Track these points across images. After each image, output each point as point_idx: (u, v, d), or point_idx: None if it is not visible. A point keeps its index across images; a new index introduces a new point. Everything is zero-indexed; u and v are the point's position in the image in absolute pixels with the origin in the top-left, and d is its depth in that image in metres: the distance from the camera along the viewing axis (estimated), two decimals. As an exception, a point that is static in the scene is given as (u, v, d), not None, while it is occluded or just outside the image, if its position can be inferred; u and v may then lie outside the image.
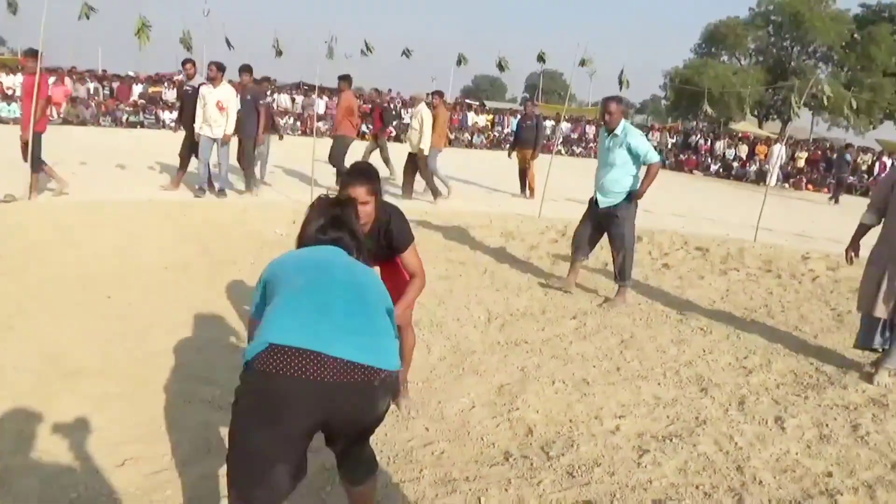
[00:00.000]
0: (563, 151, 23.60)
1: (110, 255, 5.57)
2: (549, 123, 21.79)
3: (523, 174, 11.47)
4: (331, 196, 2.32)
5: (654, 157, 5.46)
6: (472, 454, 2.96)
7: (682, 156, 24.95)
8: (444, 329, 4.62)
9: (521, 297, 5.57)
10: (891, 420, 3.75)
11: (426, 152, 9.30)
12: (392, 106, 25.57)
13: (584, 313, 5.27)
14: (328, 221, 2.17)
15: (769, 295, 6.48)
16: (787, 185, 21.12)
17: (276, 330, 1.81)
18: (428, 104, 9.85)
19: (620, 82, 10.57)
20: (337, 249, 2.12)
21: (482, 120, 26.78)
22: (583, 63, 10.11)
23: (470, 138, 24.54)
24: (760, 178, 20.35)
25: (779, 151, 16.82)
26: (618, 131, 5.46)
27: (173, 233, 6.42)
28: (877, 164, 22.21)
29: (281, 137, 10.45)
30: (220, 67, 7.95)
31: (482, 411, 3.40)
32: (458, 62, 10.28)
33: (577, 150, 25.54)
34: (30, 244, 5.55)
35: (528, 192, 11.32)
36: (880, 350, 4.52)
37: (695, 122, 38.27)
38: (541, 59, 12.82)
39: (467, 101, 34.87)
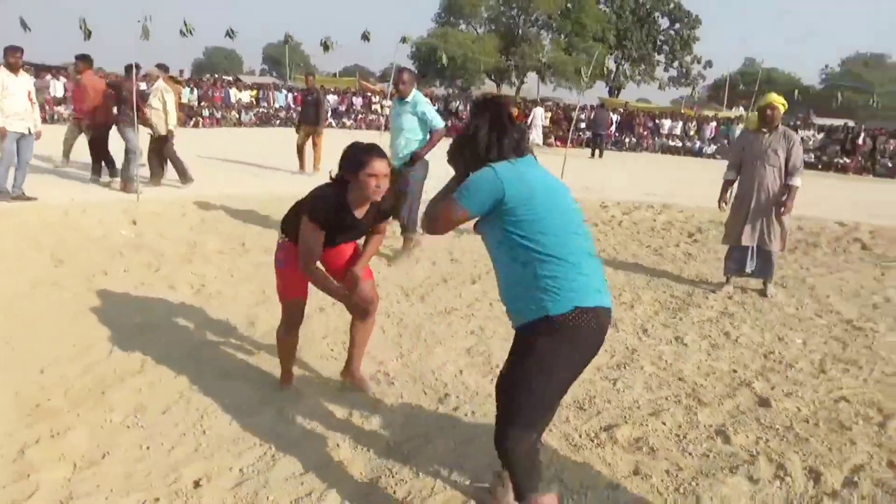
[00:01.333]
0: (333, 124, 23.69)
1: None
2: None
3: (301, 149, 11.20)
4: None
5: (440, 124, 6.06)
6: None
7: (446, 122, 26.56)
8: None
9: (420, 266, 5.89)
10: (743, 325, 4.90)
11: (175, 133, 8.85)
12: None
13: (487, 273, 5.79)
14: (520, 135, 2.16)
15: (597, 241, 7.62)
16: (541, 144, 23.76)
17: (578, 290, 2.04)
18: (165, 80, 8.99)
19: (324, 47, 11.14)
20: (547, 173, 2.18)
21: (246, 96, 25.67)
22: (326, 48, 10.47)
23: (238, 116, 23.46)
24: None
25: (540, 113, 18.88)
26: (409, 99, 5.97)
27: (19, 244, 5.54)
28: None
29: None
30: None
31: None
32: (183, 33, 9.25)
33: (348, 123, 25.77)
34: None
35: (311, 167, 11.12)
36: (749, 273, 5.75)
37: (451, 90, 40.55)
38: (365, 37, 12.69)
39: (225, 77, 32.98)
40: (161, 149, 8.90)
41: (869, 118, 46.42)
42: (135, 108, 8.00)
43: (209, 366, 3.64)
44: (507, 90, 49.31)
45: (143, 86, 11.73)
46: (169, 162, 9.02)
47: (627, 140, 24.79)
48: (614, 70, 49.36)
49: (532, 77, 49.84)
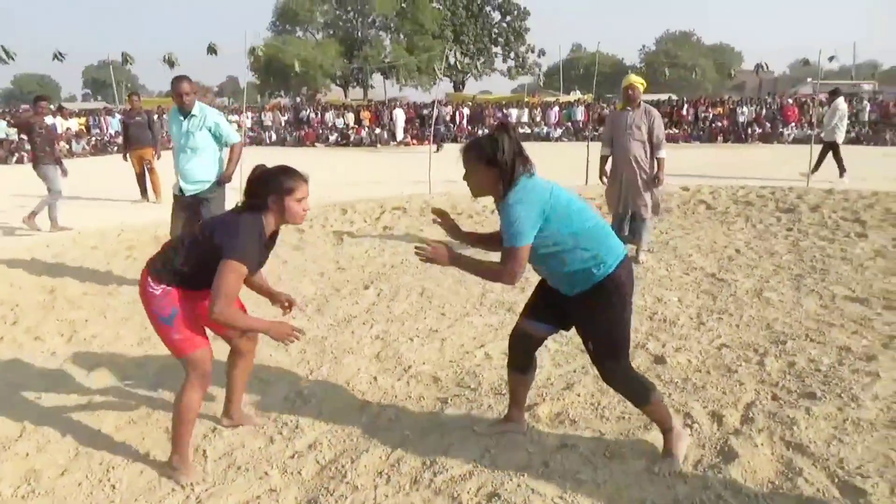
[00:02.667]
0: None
1: None
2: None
3: (142, 177, 10.53)
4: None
5: (236, 137, 5.39)
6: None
7: (299, 131, 26.02)
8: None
9: (308, 279, 5.72)
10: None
11: None
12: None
13: (379, 277, 5.73)
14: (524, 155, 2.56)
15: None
16: (396, 143, 23.94)
17: (616, 247, 2.60)
18: None
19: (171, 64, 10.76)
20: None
21: (74, 124, 23.64)
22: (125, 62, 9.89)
23: (69, 146, 21.53)
24: (376, 142, 22.74)
25: (401, 114, 19.06)
26: (195, 112, 5.16)
27: None
28: (456, 114, 26.68)
29: None
30: None
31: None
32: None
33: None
34: None
35: (153, 195, 10.48)
36: (623, 239, 6.04)
37: (298, 98, 39.68)
38: (212, 50, 12.02)
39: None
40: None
41: (692, 90, 51.30)
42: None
43: (104, 415, 3.33)
44: (354, 94, 49.18)
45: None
46: None
47: (479, 132, 25.56)
48: (454, 63, 50.76)
49: (377, 79, 50.08)
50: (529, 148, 2.68)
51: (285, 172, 2.63)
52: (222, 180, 5.29)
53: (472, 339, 4.31)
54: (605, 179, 6.47)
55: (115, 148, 22.43)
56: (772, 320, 4.51)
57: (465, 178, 2.61)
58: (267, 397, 3.52)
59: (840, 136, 11.46)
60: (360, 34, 46.83)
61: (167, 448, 2.87)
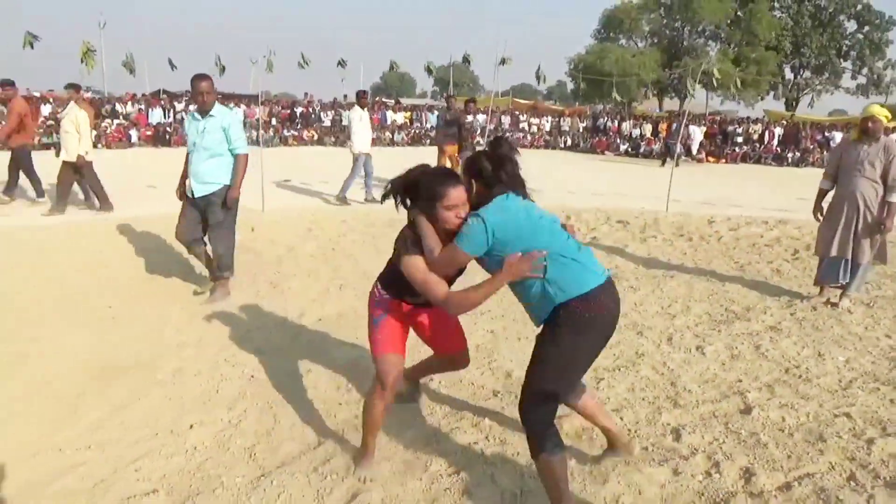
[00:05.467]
0: (481, 142, 24.54)
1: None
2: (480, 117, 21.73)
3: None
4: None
5: (244, 148, 5.21)
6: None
7: (593, 138, 26.42)
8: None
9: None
10: (784, 340, 4.73)
11: (87, 157, 8.00)
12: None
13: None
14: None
15: (683, 255, 7.50)
16: (689, 159, 22.84)
17: (581, 279, 2.42)
18: (77, 101, 8.22)
19: (538, 77, 11.40)
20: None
21: (400, 117, 27.42)
22: (503, 62, 10.85)
23: (391, 136, 25.13)
24: (665, 154, 21.97)
25: (697, 130, 18.36)
26: (214, 112, 5.09)
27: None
28: (766, 133, 24.36)
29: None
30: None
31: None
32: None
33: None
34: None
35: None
36: (840, 284, 5.64)
37: (601, 106, 40.08)
38: (466, 60, 13.46)
39: (383, 99, 35.41)
40: (70, 175, 8.06)
41: None
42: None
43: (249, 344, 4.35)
44: (670, 104, 47.58)
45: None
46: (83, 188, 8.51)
47: (791, 155, 22.98)
48: (792, 79, 45.73)
49: (699, 91, 47.59)
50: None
51: (437, 177, 2.52)
52: (227, 202, 5.17)
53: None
54: (819, 216, 5.78)
55: (428, 140, 25.60)
56: (941, 405, 3.73)
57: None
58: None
59: None
60: (685, 43, 45.01)
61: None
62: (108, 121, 21.02)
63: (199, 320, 4.87)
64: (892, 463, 3.06)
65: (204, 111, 5.08)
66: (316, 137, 23.84)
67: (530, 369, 2.51)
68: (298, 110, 25.54)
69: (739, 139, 24.25)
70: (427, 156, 18.37)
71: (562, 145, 26.65)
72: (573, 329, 2.41)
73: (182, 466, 2.94)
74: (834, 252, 5.57)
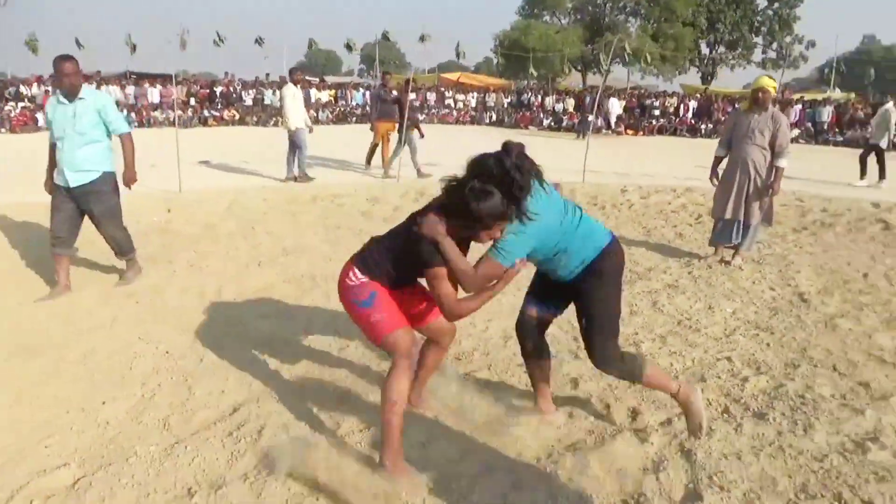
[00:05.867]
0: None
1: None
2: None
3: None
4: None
5: (125, 127, 4.96)
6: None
7: (517, 113, 26.84)
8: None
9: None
10: (679, 296, 5.10)
11: None
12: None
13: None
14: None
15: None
16: (609, 132, 23.53)
17: (601, 230, 2.78)
18: None
19: (457, 54, 11.52)
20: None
21: (325, 96, 27.04)
22: (422, 39, 10.91)
23: (316, 114, 24.79)
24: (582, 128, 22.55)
25: (615, 103, 18.93)
26: (84, 95, 4.75)
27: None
28: (681, 106, 25.35)
29: None
30: None
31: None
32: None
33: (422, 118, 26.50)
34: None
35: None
36: (733, 244, 6.05)
37: (526, 81, 40.55)
38: (385, 37, 13.43)
39: (306, 77, 34.68)
40: None
41: None
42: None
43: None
44: (593, 80, 48.63)
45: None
46: None
47: (704, 126, 24.01)
48: (707, 54, 47.47)
49: (620, 66, 48.80)
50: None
51: (497, 208, 2.38)
52: (126, 185, 5.01)
53: (485, 312, 4.64)
54: (715, 181, 6.18)
55: (354, 118, 25.42)
56: (808, 345, 4.15)
57: None
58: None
59: (883, 139, 11.65)
60: (606, 19, 45.98)
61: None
62: (13, 104, 19.93)
63: (113, 301, 4.82)
64: (761, 397, 3.41)
65: (72, 94, 4.70)
66: (237, 117, 23.29)
67: (593, 324, 2.79)
68: (218, 90, 24.83)
69: (656, 112, 25.17)
70: (353, 133, 18.34)
71: (487, 121, 26.96)
72: (609, 279, 2.77)
73: (94, 440, 2.97)
74: (728, 214, 5.98)
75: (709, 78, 47.50)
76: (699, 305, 4.89)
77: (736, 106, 25.06)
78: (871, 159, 11.62)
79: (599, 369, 2.89)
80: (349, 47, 13.31)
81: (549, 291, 2.99)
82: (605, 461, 2.78)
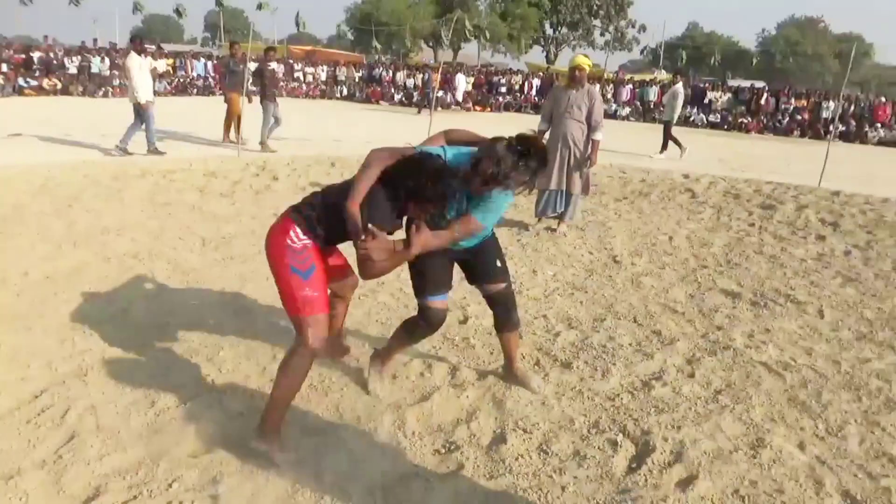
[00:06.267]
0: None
1: None
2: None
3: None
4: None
5: None
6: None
7: (368, 88, 26.64)
8: (163, 255, 5.12)
9: (231, 223, 6.23)
10: (508, 262, 5.38)
11: None
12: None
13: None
14: None
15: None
16: (458, 108, 24.03)
17: None
18: None
19: (297, 24, 11.25)
20: None
21: (162, 65, 25.23)
22: (260, 7, 10.54)
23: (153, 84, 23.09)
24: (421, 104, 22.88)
25: (462, 79, 19.27)
26: None
27: None
28: (525, 84, 26.42)
29: None
30: None
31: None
32: None
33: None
34: None
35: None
36: (557, 213, 6.37)
37: (377, 56, 40.32)
38: (219, 3, 12.76)
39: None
40: None
41: (810, 81, 48.09)
42: None
43: None
44: (443, 55, 49.29)
45: None
46: None
47: (546, 104, 25.19)
48: (551, 34, 49.74)
49: (472, 44, 49.88)
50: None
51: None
52: None
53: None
54: None
55: (195, 90, 24.02)
56: (615, 301, 4.58)
57: None
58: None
59: (674, 116, 13.34)
60: (456, -4, 46.71)
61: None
62: None
63: None
64: (569, 349, 3.74)
65: None
66: (59, 86, 21.15)
67: (505, 267, 3.07)
68: (36, 55, 22.36)
69: (503, 89, 26.05)
70: (194, 104, 17.31)
71: (338, 95, 26.54)
72: None
73: None
74: (552, 185, 6.36)
75: (553, 58, 49.89)
76: (524, 270, 5.21)
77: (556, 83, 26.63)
78: (672, 134, 13.10)
79: (516, 322, 3.15)
80: (179, 13, 12.44)
81: (447, 274, 2.95)
82: (422, 416, 2.93)
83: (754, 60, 57.74)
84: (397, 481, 2.46)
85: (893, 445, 2.91)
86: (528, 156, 2.51)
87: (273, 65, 11.39)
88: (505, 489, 2.46)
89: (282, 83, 23.31)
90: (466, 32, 14.74)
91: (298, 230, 2.54)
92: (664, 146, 13.09)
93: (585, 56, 6.46)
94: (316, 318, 2.51)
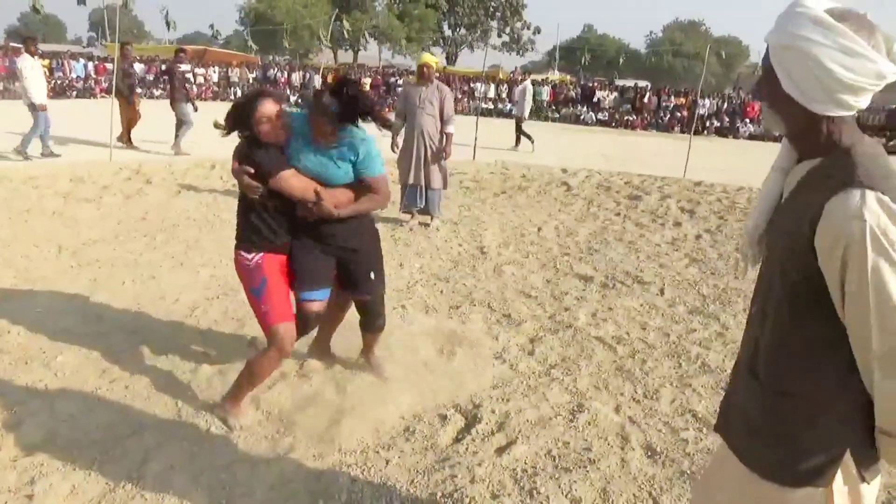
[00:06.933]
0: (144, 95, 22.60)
1: None
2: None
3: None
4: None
5: None
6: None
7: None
8: (12, 264, 4.89)
9: (94, 229, 6.01)
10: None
11: None
12: None
13: (155, 235, 6.02)
14: None
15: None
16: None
17: None
18: None
19: (167, 24, 11.00)
20: None
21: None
22: (126, 4, 10.22)
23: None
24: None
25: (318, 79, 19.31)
26: None
27: None
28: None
29: None
30: None
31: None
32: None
33: (158, 94, 24.59)
34: None
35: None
36: (420, 207, 6.47)
37: (272, 57, 39.56)
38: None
39: (12, 44, 30.09)
40: None
41: (694, 81, 50.81)
42: None
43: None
44: (345, 57, 48.94)
45: None
46: None
47: (444, 104, 25.55)
48: (450, 35, 50.40)
49: (372, 45, 49.77)
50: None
51: (247, 101, 2.78)
52: None
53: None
54: (396, 149, 6.66)
55: (74, 92, 22.72)
56: (474, 289, 4.79)
57: None
58: None
59: (524, 112, 14.26)
60: (352, -3, 46.48)
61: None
62: None
63: None
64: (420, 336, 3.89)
65: None
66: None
67: (378, 268, 3.15)
68: None
69: (400, 90, 26.19)
70: (76, 108, 16.39)
71: (231, 97, 25.85)
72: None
73: None
74: (412, 180, 6.47)
75: (453, 58, 50.60)
76: (392, 263, 5.33)
77: (471, 85, 27.17)
78: (531, 129, 14.10)
79: (380, 326, 3.24)
80: (36, 10, 11.71)
81: (324, 270, 2.94)
82: (263, 404, 2.98)
83: (649, 61, 60.74)
84: (222, 468, 2.51)
85: (699, 403, 3.23)
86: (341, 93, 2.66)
87: (184, 66, 11.23)
88: (331, 466, 2.56)
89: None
90: (366, 34, 14.73)
91: (242, 251, 2.77)
92: (517, 141, 13.79)
93: (431, 54, 6.71)
94: (276, 328, 2.71)
